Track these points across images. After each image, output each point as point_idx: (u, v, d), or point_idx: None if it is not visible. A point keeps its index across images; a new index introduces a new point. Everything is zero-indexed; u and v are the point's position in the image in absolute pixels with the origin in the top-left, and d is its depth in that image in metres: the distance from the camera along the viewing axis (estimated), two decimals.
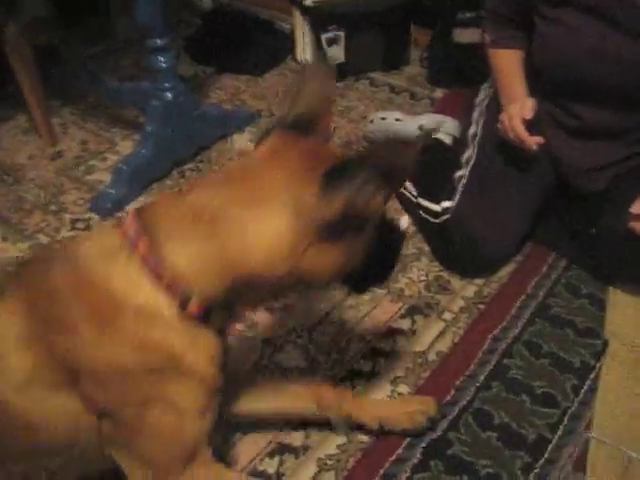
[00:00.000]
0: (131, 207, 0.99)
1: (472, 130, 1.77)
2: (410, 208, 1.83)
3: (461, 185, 1.68)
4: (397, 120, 2.05)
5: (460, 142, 1.82)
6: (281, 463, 1.31)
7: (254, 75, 2.62)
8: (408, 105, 2.41)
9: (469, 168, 1.69)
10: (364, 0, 2.46)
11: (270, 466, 1.30)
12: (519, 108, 1.58)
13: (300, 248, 0.92)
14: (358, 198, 0.91)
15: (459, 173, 1.70)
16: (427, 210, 1.73)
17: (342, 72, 2.54)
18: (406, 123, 2.04)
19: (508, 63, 1.68)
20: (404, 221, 1.09)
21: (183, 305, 0.91)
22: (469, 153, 1.72)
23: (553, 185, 1.74)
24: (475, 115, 1.79)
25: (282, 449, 1.33)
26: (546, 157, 1.70)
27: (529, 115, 1.56)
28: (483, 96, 1.82)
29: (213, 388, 0.98)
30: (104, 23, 3.05)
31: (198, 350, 0.95)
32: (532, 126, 1.59)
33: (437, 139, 1.97)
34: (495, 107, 1.75)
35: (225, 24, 2.79)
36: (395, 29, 2.57)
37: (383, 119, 2.08)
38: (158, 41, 1.91)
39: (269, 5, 3.04)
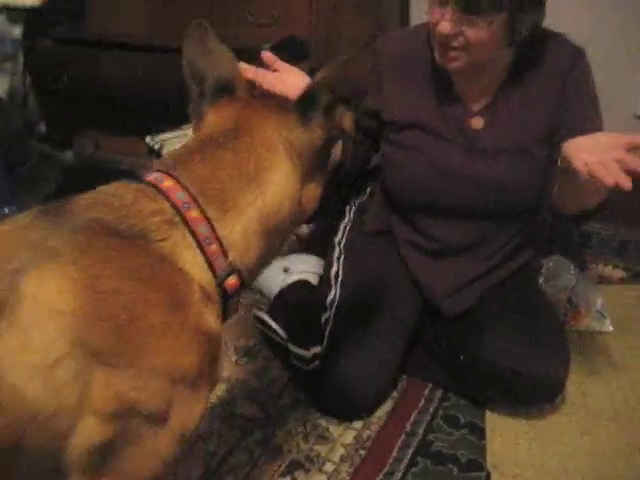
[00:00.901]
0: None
1: (334, 270, 1.78)
2: (281, 354, 1.80)
3: (328, 329, 1.66)
4: None
5: (324, 282, 1.82)
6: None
7: None
8: None
9: (333, 310, 1.68)
10: None
11: None
12: None
13: (303, 180, 1.02)
14: (333, 118, 0.99)
15: (325, 316, 1.69)
16: (298, 357, 1.69)
17: None
18: (272, 265, 2.03)
19: None
20: None
21: (221, 281, 0.93)
22: (333, 294, 1.72)
23: (420, 313, 1.76)
24: (335, 255, 1.80)
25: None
26: (410, 285, 1.73)
27: None
28: (341, 235, 1.85)
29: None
30: None
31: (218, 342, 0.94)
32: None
33: (303, 280, 1.97)
34: (354, 245, 1.79)
35: (86, 178, 2.75)
36: None
37: None
38: (6, 210, 1.86)
39: (130, 152, 3.04)
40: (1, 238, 0.83)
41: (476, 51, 1.43)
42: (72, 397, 0.77)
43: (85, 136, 3.24)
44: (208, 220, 0.91)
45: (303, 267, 2.01)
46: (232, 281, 0.94)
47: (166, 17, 2.90)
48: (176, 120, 2.62)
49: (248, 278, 0.99)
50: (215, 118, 1.03)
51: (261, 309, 1.93)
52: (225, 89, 1.06)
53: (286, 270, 2.00)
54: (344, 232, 1.85)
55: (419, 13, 3.06)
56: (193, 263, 0.90)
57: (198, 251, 0.90)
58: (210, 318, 0.91)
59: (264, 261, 1.04)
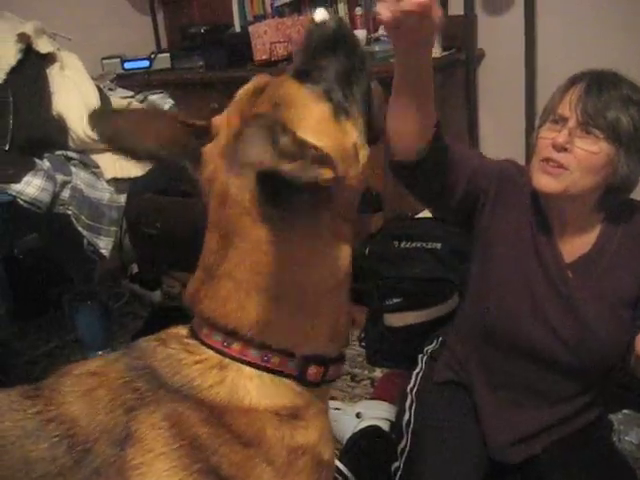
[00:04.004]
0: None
1: (405, 418, 1.81)
2: None
3: (397, 477, 1.69)
4: (335, 409, 2.11)
5: (396, 430, 1.86)
6: None
7: None
8: (349, 388, 2.48)
9: (404, 459, 1.72)
10: None
11: None
12: None
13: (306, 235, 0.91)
14: (258, 159, 0.76)
15: (395, 465, 1.72)
16: None
17: None
18: (344, 411, 2.10)
19: None
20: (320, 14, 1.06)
21: (302, 378, 0.93)
22: (404, 443, 1.75)
23: (489, 464, 1.76)
24: (407, 403, 1.85)
25: None
26: (479, 436, 1.75)
27: None
28: (413, 383, 1.90)
29: None
30: (58, 319, 3.17)
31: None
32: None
33: (374, 426, 2.01)
34: (425, 394, 1.83)
35: (172, 316, 2.92)
36: None
37: None
38: (99, 353, 2.01)
39: None
40: (102, 369, 0.95)
41: (577, 174, 1.46)
42: None
43: (173, 277, 3.46)
44: (254, 345, 0.91)
45: (375, 413, 2.07)
46: (313, 371, 0.94)
47: None
48: None
49: (333, 351, 0.97)
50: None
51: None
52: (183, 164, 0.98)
53: (358, 415, 2.05)
54: (416, 380, 1.90)
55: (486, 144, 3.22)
56: (260, 390, 0.91)
57: (263, 373, 0.91)
58: (301, 433, 0.92)
59: (337, 322, 0.97)
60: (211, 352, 0.92)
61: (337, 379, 1.01)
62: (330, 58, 0.96)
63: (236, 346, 0.91)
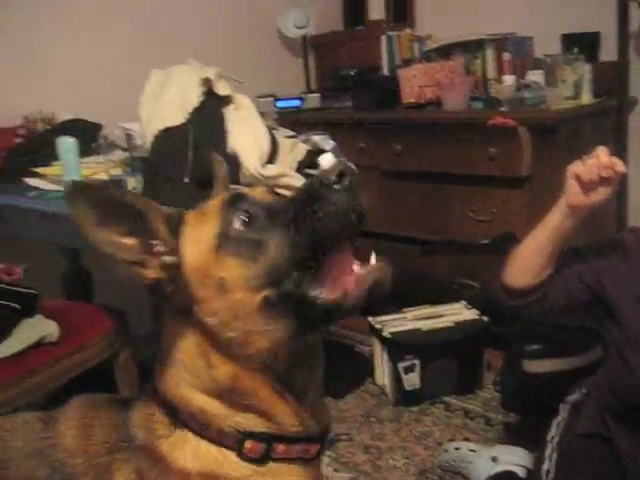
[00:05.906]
0: None
1: (545, 467, 1.80)
2: None
3: None
4: (471, 451, 2.12)
5: (534, 477, 1.85)
6: None
7: (335, 398, 2.70)
8: (482, 431, 2.47)
9: None
10: (439, 331, 2.68)
11: None
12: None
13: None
14: None
15: None
16: None
17: (418, 397, 2.67)
18: (480, 454, 2.10)
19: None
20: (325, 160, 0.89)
21: (240, 453, 0.94)
22: None
23: None
24: (547, 452, 1.83)
25: None
26: None
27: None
28: (554, 432, 1.88)
29: None
30: None
31: None
32: None
33: (510, 471, 2.01)
34: (567, 445, 1.81)
35: None
36: (469, 355, 2.73)
37: (457, 449, 2.16)
38: None
39: (353, 328, 3.22)
40: (101, 405, 1.05)
41: None
42: None
43: None
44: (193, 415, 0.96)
45: (511, 458, 2.06)
46: (249, 446, 0.94)
47: (388, 208, 3.22)
48: (396, 304, 2.86)
49: (278, 430, 0.96)
50: None
51: None
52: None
53: (494, 459, 2.05)
54: (557, 430, 1.88)
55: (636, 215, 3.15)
56: (195, 455, 0.94)
57: (202, 440, 0.95)
58: None
59: (264, 405, 0.95)
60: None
61: (307, 458, 0.99)
62: (295, 213, 0.90)
63: (182, 411, 0.96)
